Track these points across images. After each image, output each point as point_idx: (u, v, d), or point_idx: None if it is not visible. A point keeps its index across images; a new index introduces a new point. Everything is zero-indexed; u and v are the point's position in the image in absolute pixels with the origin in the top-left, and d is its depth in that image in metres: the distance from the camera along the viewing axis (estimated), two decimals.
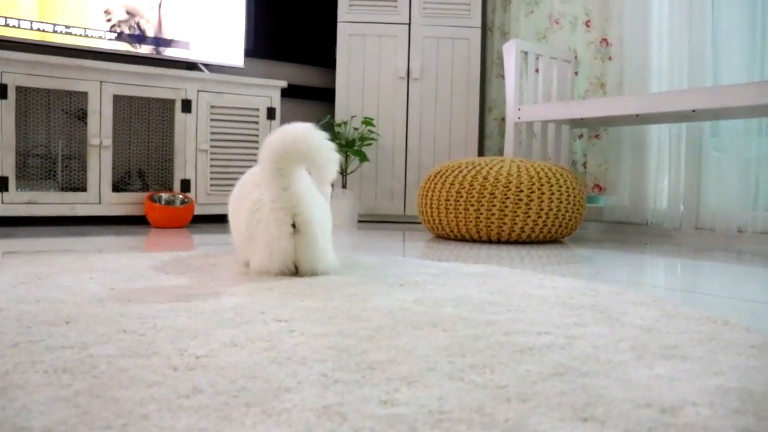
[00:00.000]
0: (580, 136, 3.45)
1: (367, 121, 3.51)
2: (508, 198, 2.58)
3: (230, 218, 1.71)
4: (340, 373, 0.74)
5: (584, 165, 3.42)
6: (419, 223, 3.71)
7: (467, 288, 1.38)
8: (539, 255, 2.20)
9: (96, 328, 0.94)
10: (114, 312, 1.06)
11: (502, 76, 3.93)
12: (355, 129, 3.64)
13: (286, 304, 1.16)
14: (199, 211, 3.20)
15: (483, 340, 0.92)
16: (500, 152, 3.90)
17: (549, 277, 1.56)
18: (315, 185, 1.53)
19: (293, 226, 1.46)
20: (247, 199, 1.56)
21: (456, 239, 2.75)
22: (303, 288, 1.33)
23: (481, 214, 2.60)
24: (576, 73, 3.45)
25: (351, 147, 3.44)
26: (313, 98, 4.06)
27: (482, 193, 2.60)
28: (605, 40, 3.33)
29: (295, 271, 1.50)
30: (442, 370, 0.77)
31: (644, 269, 1.89)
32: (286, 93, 3.80)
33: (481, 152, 4.00)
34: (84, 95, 2.93)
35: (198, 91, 3.19)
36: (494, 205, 2.58)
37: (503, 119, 3.92)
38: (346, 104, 3.74)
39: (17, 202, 2.76)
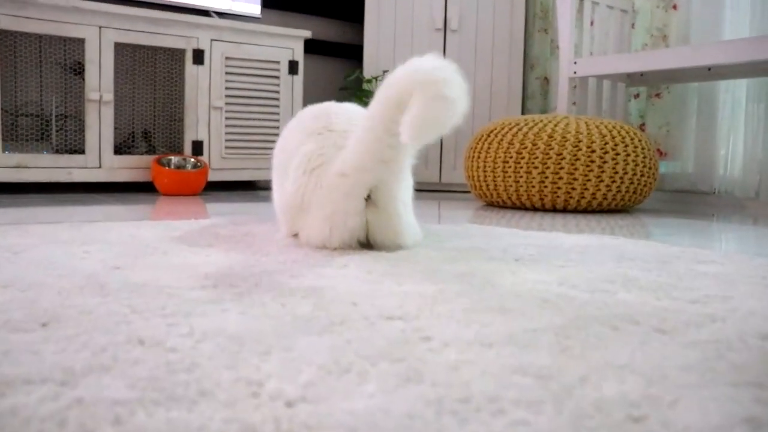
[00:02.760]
0: (636, 96, 3.06)
1: None
2: (578, 160, 2.19)
3: (273, 177, 1.32)
4: (557, 424, 0.37)
5: (642, 127, 3.03)
6: (457, 191, 3.33)
7: (608, 264, 1.01)
8: (619, 225, 1.82)
9: (92, 336, 0.57)
10: (121, 305, 0.68)
11: (545, 31, 3.53)
12: None
13: (380, 290, 0.78)
14: (213, 176, 2.81)
15: (744, 347, 0.55)
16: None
17: (693, 250, 1.18)
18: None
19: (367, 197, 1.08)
20: (297, 152, 1.18)
21: (512, 207, 2.37)
22: (388, 266, 0.95)
23: (546, 178, 2.21)
24: (632, 26, 3.05)
25: None
26: (336, 55, 3.65)
27: (548, 154, 2.21)
28: None
29: (361, 245, 1.12)
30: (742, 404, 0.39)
31: (747, 241, 1.51)
32: (307, 49, 3.40)
33: (523, 113, 3.60)
34: (81, 42, 2.53)
35: (211, 40, 2.79)
36: (562, 168, 2.20)
37: (546, 78, 3.53)
38: (376, 58, 3.33)
39: (4, 165, 2.38)
